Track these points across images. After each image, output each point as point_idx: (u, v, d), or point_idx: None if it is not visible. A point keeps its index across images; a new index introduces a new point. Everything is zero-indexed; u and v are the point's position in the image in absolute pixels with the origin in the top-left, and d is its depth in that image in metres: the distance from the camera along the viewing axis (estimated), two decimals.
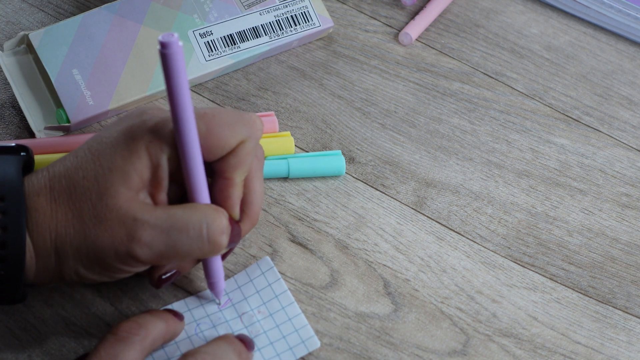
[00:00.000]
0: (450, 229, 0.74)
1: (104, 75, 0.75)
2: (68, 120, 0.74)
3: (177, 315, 0.66)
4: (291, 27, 0.80)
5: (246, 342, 0.65)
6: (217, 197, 0.64)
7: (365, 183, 0.75)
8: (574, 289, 0.72)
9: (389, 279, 0.71)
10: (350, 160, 0.76)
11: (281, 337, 0.67)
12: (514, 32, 0.85)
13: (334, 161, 0.75)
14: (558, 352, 0.69)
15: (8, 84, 0.77)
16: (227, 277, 0.69)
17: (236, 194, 0.64)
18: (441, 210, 0.75)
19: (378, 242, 0.72)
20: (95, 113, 0.75)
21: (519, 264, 0.73)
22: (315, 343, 0.67)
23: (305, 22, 0.80)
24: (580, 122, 0.80)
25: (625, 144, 0.79)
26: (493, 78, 0.82)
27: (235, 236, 0.64)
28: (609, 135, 0.80)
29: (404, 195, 0.75)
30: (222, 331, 0.67)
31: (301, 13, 0.81)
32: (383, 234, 0.73)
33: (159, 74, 0.76)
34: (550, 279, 0.72)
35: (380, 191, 0.75)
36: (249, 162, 0.64)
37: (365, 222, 0.73)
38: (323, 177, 0.75)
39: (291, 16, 0.80)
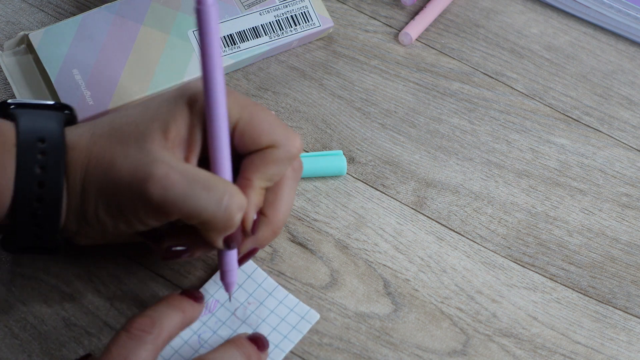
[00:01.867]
0: (450, 229, 0.74)
1: (103, 76, 0.75)
2: None
3: (196, 298, 0.65)
4: (291, 27, 0.80)
5: (259, 342, 0.65)
6: None
7: (365, 183, 0.75)
8: (574, 289, 0.72)
9: (389, 279, 0.71)
10: (350, 160, 0.76)
11: (281, 320, 0.67)
12: (514, 32, 0.85)
13: (336, 161, 0.75)
14: (558, 352, 0.69)
15: (8, 84, 0.77)
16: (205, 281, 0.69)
17: (252, 198, 0.64)
18: (441, 210, 0.75)
19: (378, 242, 0.72)
20: (95, 113, 0.75)
21: (519, 264, 0.73)
22: (315, 315, 0.67)
23: (305, 22, 0.80)
24: (580, 122, 0.80)
25: (625, 144, 0.79)
26: (493, 78, 0.82)
27: (236, 238, 0.63)
28: (609, 135, 0.80)
29: (404, 195, 0.75)
30: (224, 334, 0.67)
31: (301, 13, 0.81)
32: (383, 234, 0.73)
33: (159, 73, 0.76)
34: (550, 279, 0.72)
35: (380, 191, 0.75)
36: (272, 171, 0.64)
37: (365, 222, 0.73)
38: (323, 177, 0.75)
39: (291, 16, 0.80)
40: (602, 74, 0.83)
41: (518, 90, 0.81)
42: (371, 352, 0.68)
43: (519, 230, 0.74)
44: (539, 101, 0.81)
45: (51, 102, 0.65)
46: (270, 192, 0.66)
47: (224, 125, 0.62)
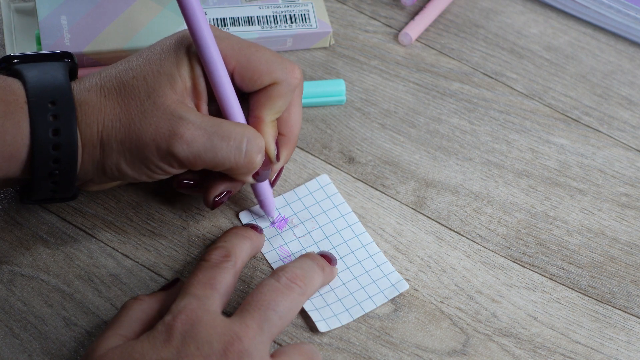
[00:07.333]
0: (450, 229, 0.74)
1: (88, 25, 0.78)
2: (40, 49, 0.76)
3: (258, 230, 0.69)
4: (286, 23, 0.80)
5: (329, 258, 0.69)
6: None
7: (365, 183, 0.75)
8: (573, 289, 0.72)
9: None
10: (350, 160, 0.76)
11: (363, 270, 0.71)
12: (514, 33, 0.85)
13: (335, 85, 0.78)
14: (558, 352, 0.69)
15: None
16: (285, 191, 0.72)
17: (268, 132, 0.68)
18: (441, 210, 0.75)
19: (378, 242, 0.73)
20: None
21: (518, 264, 0.73)
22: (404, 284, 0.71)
23: (302, 23, 0.80)
24: (579, 122, 0.80)
25: (624, 144, 0.80)
26: (493, 78, 0.82)
27: (263, 172, 0.68)
28: (609, 135, 0.80)
29: (403, 195, 0.75)
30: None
31: (301, 15, 0.81)
32: (383, 234, 0.73)
33: (142, 33, 0.77)
34: (550, 278, 0.72)
35: (380, 191, 0.75)
36: (280, 104, 0.68)
37: (365, 222, 0.73)
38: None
39: (289, 15, 0.80)
40: (602, 74, 0.83)
41: (518, 91, 0.82)
42: (371, 351, 0.68)
43: (519, 230, 0.74)
44: (538, 101, 0.81)
45: (53, 52, 0.67)
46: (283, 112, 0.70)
47: (223, 71, 0.66)
